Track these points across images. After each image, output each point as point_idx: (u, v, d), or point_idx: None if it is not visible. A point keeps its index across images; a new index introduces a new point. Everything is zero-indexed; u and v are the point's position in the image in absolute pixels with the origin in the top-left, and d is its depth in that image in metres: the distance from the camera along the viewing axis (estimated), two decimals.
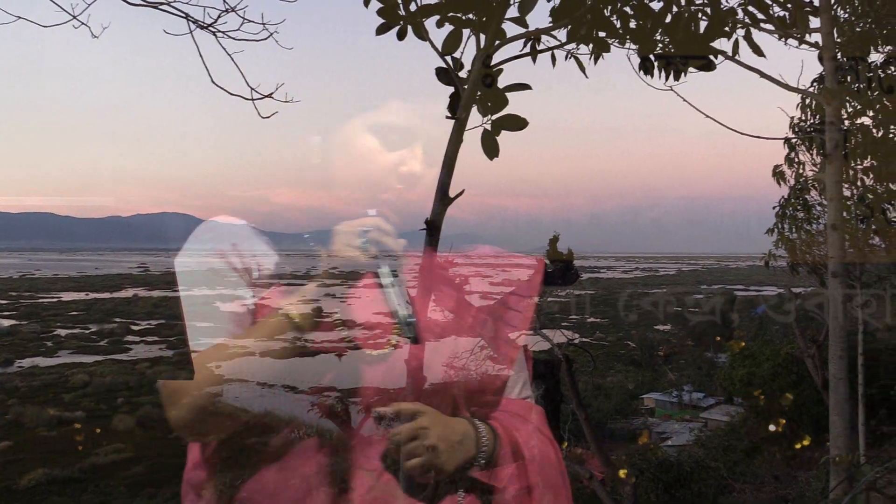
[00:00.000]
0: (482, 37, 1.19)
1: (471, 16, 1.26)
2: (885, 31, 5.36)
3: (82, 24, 3.24)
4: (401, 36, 1.27)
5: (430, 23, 1.32)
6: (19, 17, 3.08)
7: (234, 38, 2.87)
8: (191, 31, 2.83)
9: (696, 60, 1.68)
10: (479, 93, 1.13)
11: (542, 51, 2.25)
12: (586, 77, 1.60)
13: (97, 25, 3.28)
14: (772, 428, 12.65)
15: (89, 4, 3.17)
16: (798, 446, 12.09)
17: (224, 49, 2.74)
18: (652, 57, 1.55)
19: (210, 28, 2.82)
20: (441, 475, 1.06)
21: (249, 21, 2.95)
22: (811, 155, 7.07)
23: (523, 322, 1.23)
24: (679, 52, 1.69)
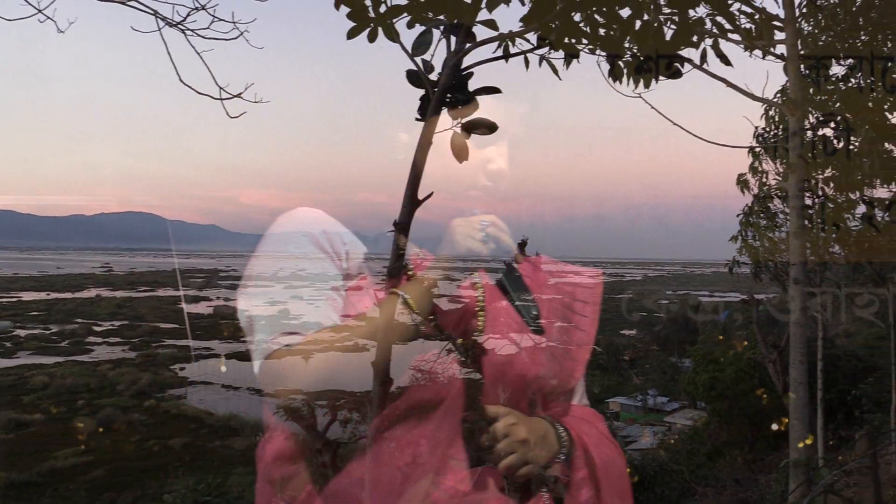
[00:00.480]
0: (453, 39, 1.19)
1: (441, 17, 1.26)
2: (846, 45, 5.49)
3: (48, 18, 3.17)
4: (371, 38, 1.27)
5: (400, 24, 1.31)
6: None
7: (203, 37, 2.84)
8: (159, 29, 2.79)
9: (665, 69, 1.70)
10: (449, 95, 1.13)
11: (514, 54, 2.26)
12: (560, 79, 1.61)
13: (63, 20, 3.22)
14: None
15: None
16: (759, 449, 12.30)
17: (193, 47, 2.70)
18: (621, 63, 1.57)
19: (179, 26, 2.79)
20: (533, 470, 1.10)
21: (220, 19, 2.92)
22: (775, 164, 7.22)
23: (592, 327, 1.25)
24: (647, 58, 1.71)
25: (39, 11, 3.14)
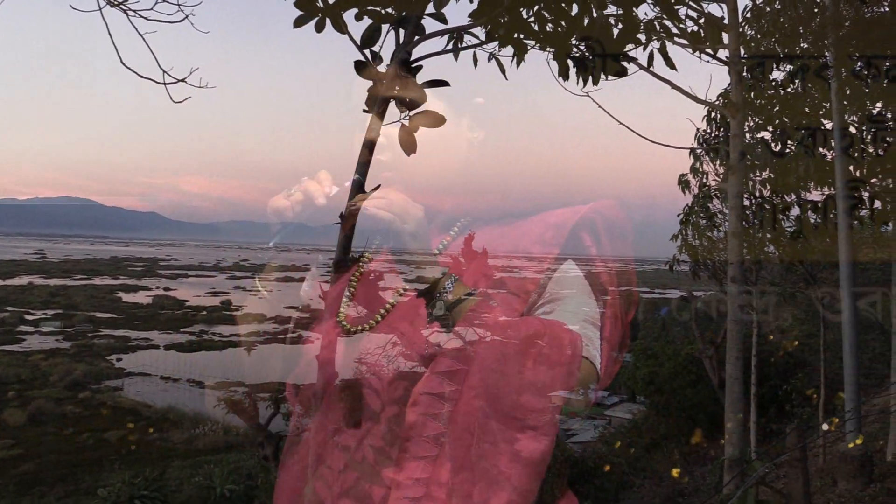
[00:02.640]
0: (402, 31, 1.18)
1: (390, 10, 1.25)
2: (787, 50, 5.66)
3: None
4: (319, 28, 1.25)
5: (348, 16, 1.30)
6: None
7: (146, 18, 2.75)
8: (100, 8, 2.69)
9: (611, 67, 1.72)
10: (396, 88, 1.12)
11: (463, 48, 2.27)
12: (506, 79, 1.62)
13: None
14: None
15: None
16: (694, 442, 12.63)
17: (136, 28, 2.60)
18: (569, 61, 1.58)
19: (121, 6, 2.70)
20: None
21: (164, 1, 2.83)
22: (714, 165, 7.41)
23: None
24: (593, 56, 1.73)
25: None
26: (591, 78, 2.25)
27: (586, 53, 1.69)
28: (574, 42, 1.49)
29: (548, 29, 1.43)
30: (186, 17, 3.06)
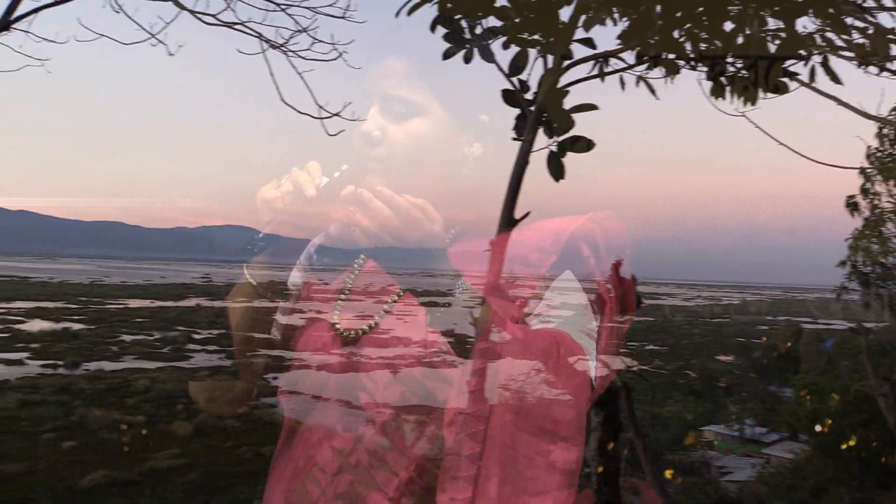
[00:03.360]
0: (549, 58, 1.18)
1: (538, 36, 1.25)
2: None
3: (159, 42, 3.36)
4: (467, 59, 1.27)
5: (496, 45, 1.32)
6: (101, 35, 3.22)
7: (304, 58, 2.93)
8: (263, 51, 2.91)
9: (769, 84, 1.63)
10: (545, 115, 1.12)
11: (610, 73, 2.22)
12: (657, 99, 1.57)
13: (173, 44, 3.40)
14: None
15: (167, 24, 3.30)
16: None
17: (294, 68, 2.79)
18: (723, 80, 1.51)
19: (282, 48, 2.89)
20: None
21: (320, 41, 3.02)
22: (888, 185, 6.81)
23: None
24: (750, 74, 1.64)
25: (153, 36, 3.33)
26: (747, 97, 2.13)
27: (742, 72, 1.61)
28: (729, 60, 1.43)
29: (701, 48, 1.38)
30: (340, 55, 3.24)
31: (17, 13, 3.56)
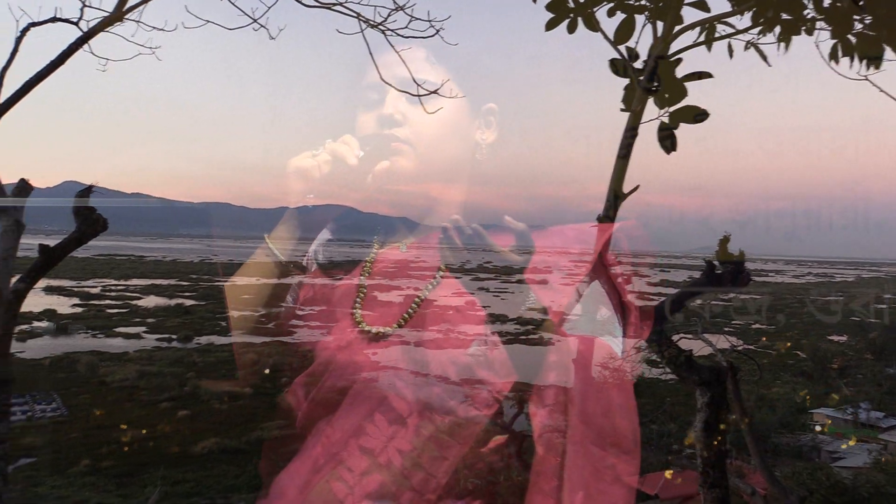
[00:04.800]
0: (659, 24, 1.12)
1: (645, 1, 1.20)
2: None
3: (262, 26, 3.45)
4: (571, 29, 1.23)
5: (601, 12, 1.27)
6: (208, 22, 3.33)
7: (402, 36, 2.94)
8: (362, 31, 2.92)
9: None
10: (655, 84, 1.07)
11: (718, 38, 2.11)
12: (769, 66, 1.48)
13: (274, 27, 3.48)
14: None
15: (269, 7, 3.37)
16: None
17: (392, 47, 2.79)
18: (851, 37, 1.40)
19: (380, 27, 2.91)
20: None
21: (416, 18, 3.01)
22: None
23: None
24: (878, 32, 1.52)
25: (255, 21, 3.42)
26: (870, 59, 1.98)
27: (869, 31, 1.49)
28: (857, 18, 1.32)
29: (824, 4, 1.28)
30: (437, 31, 3.22)
31: (128, 4, 3.73)
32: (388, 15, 2.93)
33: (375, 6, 3.05)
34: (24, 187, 3.25)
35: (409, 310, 1.15)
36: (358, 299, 1.14)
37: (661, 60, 1.07)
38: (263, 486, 1.16)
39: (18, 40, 3.66)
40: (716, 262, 1.42)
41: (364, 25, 3.12)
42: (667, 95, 1.07)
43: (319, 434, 1.07)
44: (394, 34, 3.15)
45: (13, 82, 3.55)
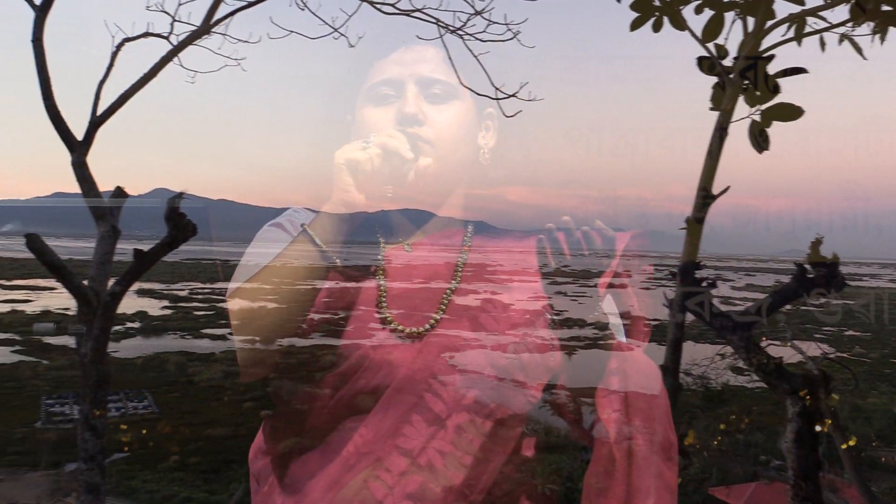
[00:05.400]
0: (749, 20, 1.09)
1: None
2: None
3: (342, 35, 3.53)
4: (656, 28, 1.20)
5: (688, 10, 1.24)
6: (291, 32, 3.42)
7: (480, 40, 2.95)
8: (440, 36, 2.94)
9: None
10: (746, 81, 1.03)
11: (810, 33, 2.03)
12: (864, 59, 1.41)
13: (353, 36, 3.55)
14: None
15: (349, 16, 3.45)
16: None
17: (471, 51, 2.80)
18: None
19: (458, 32, 2.93)
20: None
21: (494, 23, 3.02)
22: None
23: None
24: None
25: (335, 30, 3.50)
26: None
27: None
28: None
29: None
30: (515, 35, 3.23)
31: (215, 17, 3.87)
32: (468, 20, 2.96)
33: (454, 11, 3.08)
34: (119, 194, 3.42)
35: (440, 308, 1.16)
36: (383, 299, 1.14)
37: (753, 57, 1.04)
38: (259, 469, 1.14)
39: (114, 55, 3.85)
40: (807, 266, 1.37)
41: (443, 31, 3.16)
42: (758, 93, 1.03)
43: (348, 432, 1.07)
44: (472, 38, 3.17)
45: (109, 95, 3.74)
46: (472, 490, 1.06)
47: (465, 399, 1.08)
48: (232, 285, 1.04)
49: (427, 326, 1.11)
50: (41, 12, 3.63)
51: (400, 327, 1.08)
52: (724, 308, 1.19)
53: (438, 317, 1.12)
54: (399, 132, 1.06)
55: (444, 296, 1.15)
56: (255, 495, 1.12)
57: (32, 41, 3.61)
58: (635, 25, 1.20)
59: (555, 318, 1.26)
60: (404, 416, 1.05)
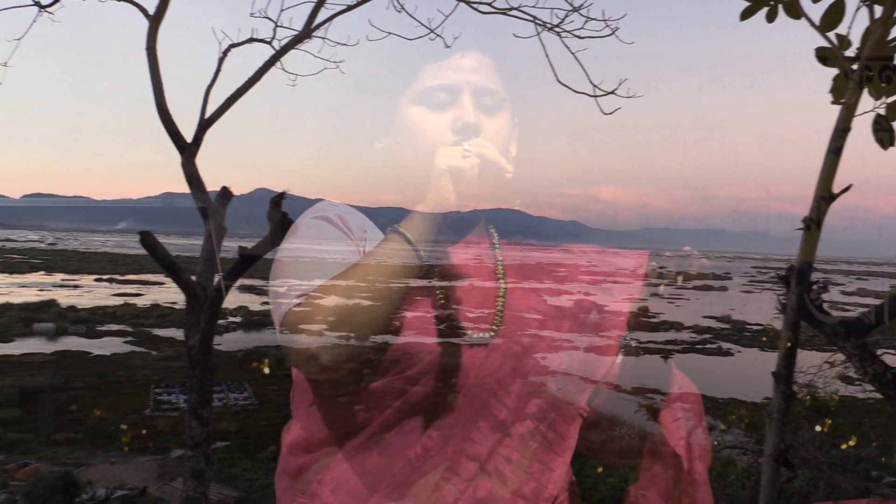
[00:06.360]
0: (877, 8, 1.02)
1: None
2: None
3: (438, 36, 3.55)
4: (770, 17, 1.14)
5: None
6: (389, 34, 3.47)
7: (577, 37, 2.91)
8: (538, 34, 2.93)
9: None
10: (871, 73, 0.97)
11: None
12: None
13: (449, 36, 3.57)
14: None
15: (446, 17, 3.47)
16: None
17: (568, 48, 2.76)
18: None
19: (555, 29, 2.90)
20: None
21: (592, 19, 2.97)
22: None
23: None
24: None
25: (431, 31, 3.53)
26: None
27: None
28: None
29: None
30: (613, 32, 3.16)
31: (316, 21, 3.97)
32: (565, 16, 2.91)
33: (552, 8, 3.04)
34: (225, 194, 3.56)
35: (498, 312, 1.14)
36: (441, 301, 1.13)
37: (880, 46, 0.97)
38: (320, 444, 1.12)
39: (221, 60, 4.01)
40: None
41: (540, 28, 3.13)
42: (884, 85, 0.96)
43: (410, 434, 1.07)
44: (570, 35, 3.13)
45: (215, 99, 3.90)
46: (538, 498, 1.05)
47: (528, 407, 1.08)
48: (317, 281, 1.05)
49: (491, 333, 1.10)
50: (154, 22, 3.82)
51: (477, 334, 1.08)
52: (834, 313, 1.13)
53: (497, 323, 1.12)
54: (490, 144, 1.06)
55: (499, 298, 1.15)
56: (286, 492, 1.12)
57: (146, 49, 3.81)
58: (746, 14, 1.14)
59: (651, 320, 1.23)
60: (472, 422, 1.05)
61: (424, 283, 1.12)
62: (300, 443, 1.12)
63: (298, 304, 1.01)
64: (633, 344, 1.19)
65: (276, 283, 1.08)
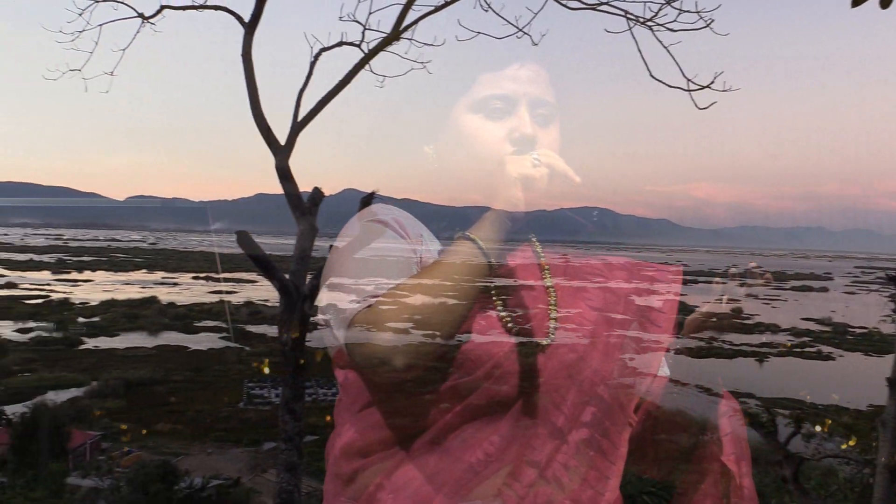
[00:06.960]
0: None
1: None
2: None
3: (525, 34, 3.54)
4: (885, 3, 1.08)
5: None
6: (478, 33, 3.48)
7: (671, 30, 2.83)
8: (629, 28, 2.86)
9: None
10: None
11: None
12: None
13: (536, 34, 3.54)
14: None
15: (535, 14, 3.45)
16: None
17: (660, 42, 2.68)
18: None
19: (648, 23, 2.82)
20: None
21: (685, 11, 2.88)
22: None
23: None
24: None
25: (519, 30, 3.52)
26: None
27: None
28: None
29: None
30: (707, 24, 3.05)
31: (404, 23, 4.02)
32: (659, 10, 2.83)
33: (644, 2, 2.96)
34: (317, 194, 3.65)
35: (552, 315, 1.12)
36: (500, 302, 1.11)
37: None
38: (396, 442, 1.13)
39: (312, 64, 4.12)
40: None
41: (632, 23, 3.05)
42: None
43: (469, 438, 1.05)
44: (662, 29, 3.04)
45: (306, 101, 4.01)
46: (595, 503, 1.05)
47: (583, 415, 1.07)
48: (386, 281, 1.06)
49: (549, 339, 1.09)
50: (249, 29, 3.96)
51: (537, 340, 1.07)
52: None
53: (553, 326, 1.10)
54: (557, 154, 1.07)
55: (551, 298, 1.14)
56: (335, 498, 1.13)
57: (242, 55, 3.95)
58: (858, 0, 1.09)
59: (746, 321, 1.20)
60: (532, 428, 1.05)
61: (491, 284, 1.12)
62: (356, 446, 1.12)
63: (371, 304, 1.02)
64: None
65: (336, 280, 1.11)
